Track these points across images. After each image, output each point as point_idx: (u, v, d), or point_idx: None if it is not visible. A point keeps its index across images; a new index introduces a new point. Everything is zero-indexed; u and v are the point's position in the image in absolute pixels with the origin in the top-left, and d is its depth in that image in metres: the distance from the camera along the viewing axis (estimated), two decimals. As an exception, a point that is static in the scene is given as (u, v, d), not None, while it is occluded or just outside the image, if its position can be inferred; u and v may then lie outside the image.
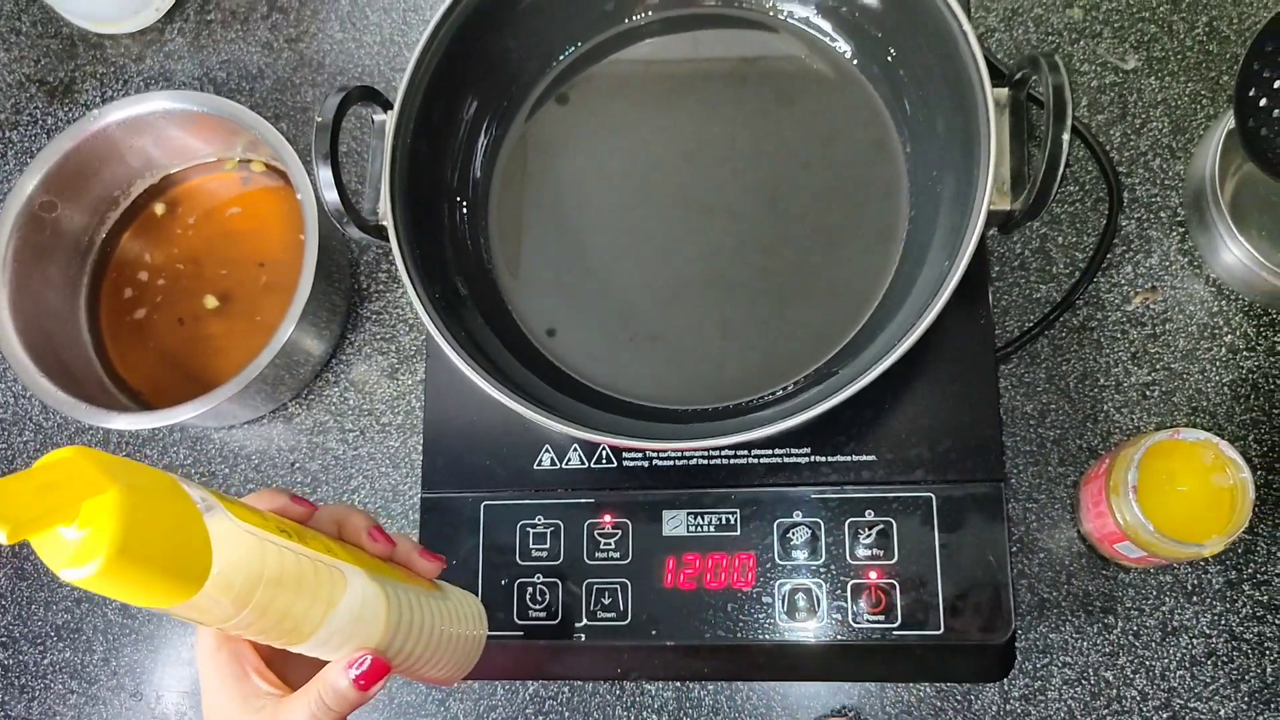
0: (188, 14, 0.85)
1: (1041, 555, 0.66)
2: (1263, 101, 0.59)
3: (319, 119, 0.55)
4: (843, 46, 0.64)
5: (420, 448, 0.69)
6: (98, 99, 0.85)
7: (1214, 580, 0.64)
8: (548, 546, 0.62)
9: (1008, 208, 0.53)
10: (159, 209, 0.79)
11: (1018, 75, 0.54)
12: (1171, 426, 0.64)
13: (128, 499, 0.32)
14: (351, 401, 0.75)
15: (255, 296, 0.76)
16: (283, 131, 0.71)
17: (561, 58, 0.67)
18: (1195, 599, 0.64)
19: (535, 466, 0.64)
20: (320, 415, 0.75)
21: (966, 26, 0.53)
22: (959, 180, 0.56)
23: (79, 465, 0.32)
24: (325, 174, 0.55)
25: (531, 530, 0.62)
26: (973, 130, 0.54)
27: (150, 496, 0.33)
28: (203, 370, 0.76)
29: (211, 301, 0.76)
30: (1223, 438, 0.58)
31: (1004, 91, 0.54)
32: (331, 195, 0.55)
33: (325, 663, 0.41)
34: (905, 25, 0.59)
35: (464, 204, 0.65)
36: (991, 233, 0.59)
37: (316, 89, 0.81)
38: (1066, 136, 0.49)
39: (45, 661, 0.74)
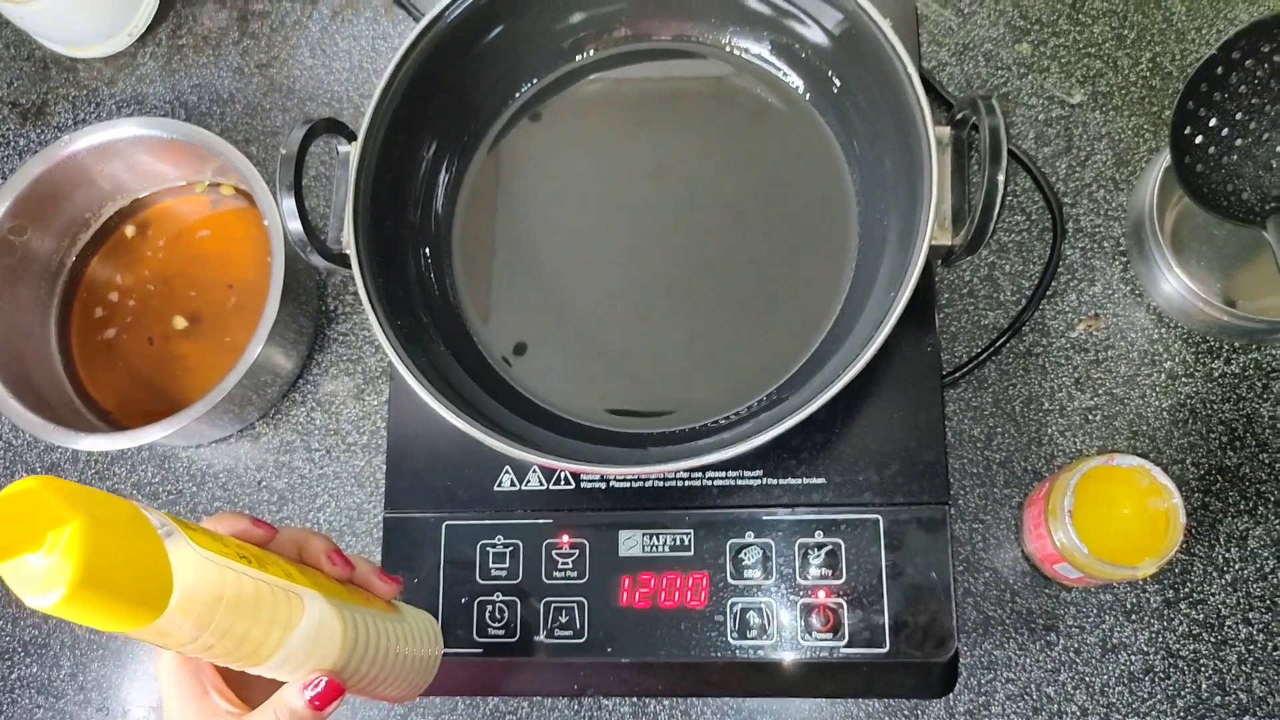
0: (160, 39, 0.86)
1: (987, 574, 0.68)
2: (1199, 139, 0.61)
3: (283, 151, 0.57)
4: (795, 82, 0.66)
5: (385, 468, 0.70)
6: (70, 121, 0.86)
7: (1152, 599, 0.66)
8: (507, 566, 0.64)
9: (949, 243, 0.55)
10: (129, 231, 0.80)
11: (959, 115, 0.56)
12: (1111, 451, 0.67)
13: (91, 529, 0.33)
14: (318, 421, 0.76)
15: (224, 317, 0.77)
16: (252, 156, 0.73)
17: (519, 94, 0.68)
18: (1134, 617, 0.66)
19: (496, 487, 0.65)
20: (287, 435, 0.76)
21: (910, 68, 0.56)
22: (904, 215, 0.58)
23: (42, 496, 0.33)
24: (289, 204, 0.56)
25: (491, 550, 0.64)
26: (917, 167, 0.56)
27: (112, 526, 0.35)
28: (172, 390, 0.77)
29: (181, 322, 0.77)
30: (1161, 461, 0.60)
31: (946, 130, 0.56)
32: (295, 225, 0.57)
33: (283, 683, 0.43)
34: (854, 64, 0.61)
35: (426, 244, 0.66)
36: (936, 263, 0.61)
37: (286, 114, 0.83)
38: (1002, 177, 0.51)
39: (12, 676, 0.75)
